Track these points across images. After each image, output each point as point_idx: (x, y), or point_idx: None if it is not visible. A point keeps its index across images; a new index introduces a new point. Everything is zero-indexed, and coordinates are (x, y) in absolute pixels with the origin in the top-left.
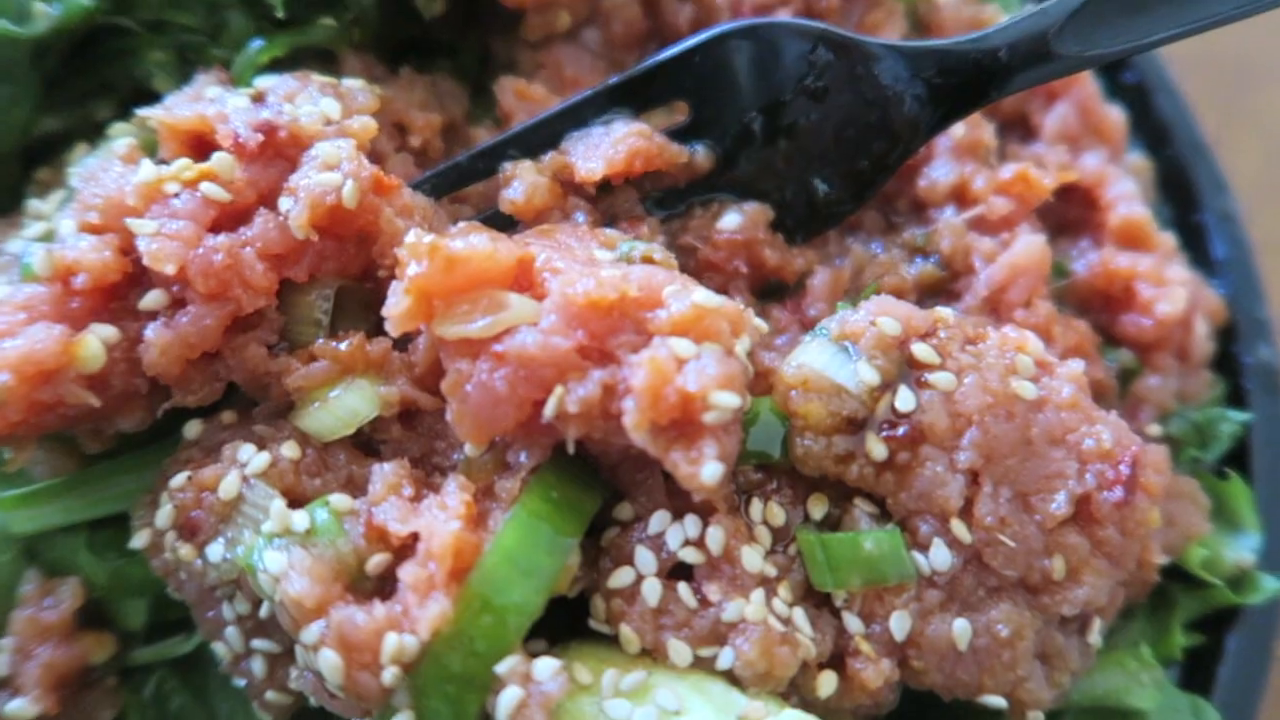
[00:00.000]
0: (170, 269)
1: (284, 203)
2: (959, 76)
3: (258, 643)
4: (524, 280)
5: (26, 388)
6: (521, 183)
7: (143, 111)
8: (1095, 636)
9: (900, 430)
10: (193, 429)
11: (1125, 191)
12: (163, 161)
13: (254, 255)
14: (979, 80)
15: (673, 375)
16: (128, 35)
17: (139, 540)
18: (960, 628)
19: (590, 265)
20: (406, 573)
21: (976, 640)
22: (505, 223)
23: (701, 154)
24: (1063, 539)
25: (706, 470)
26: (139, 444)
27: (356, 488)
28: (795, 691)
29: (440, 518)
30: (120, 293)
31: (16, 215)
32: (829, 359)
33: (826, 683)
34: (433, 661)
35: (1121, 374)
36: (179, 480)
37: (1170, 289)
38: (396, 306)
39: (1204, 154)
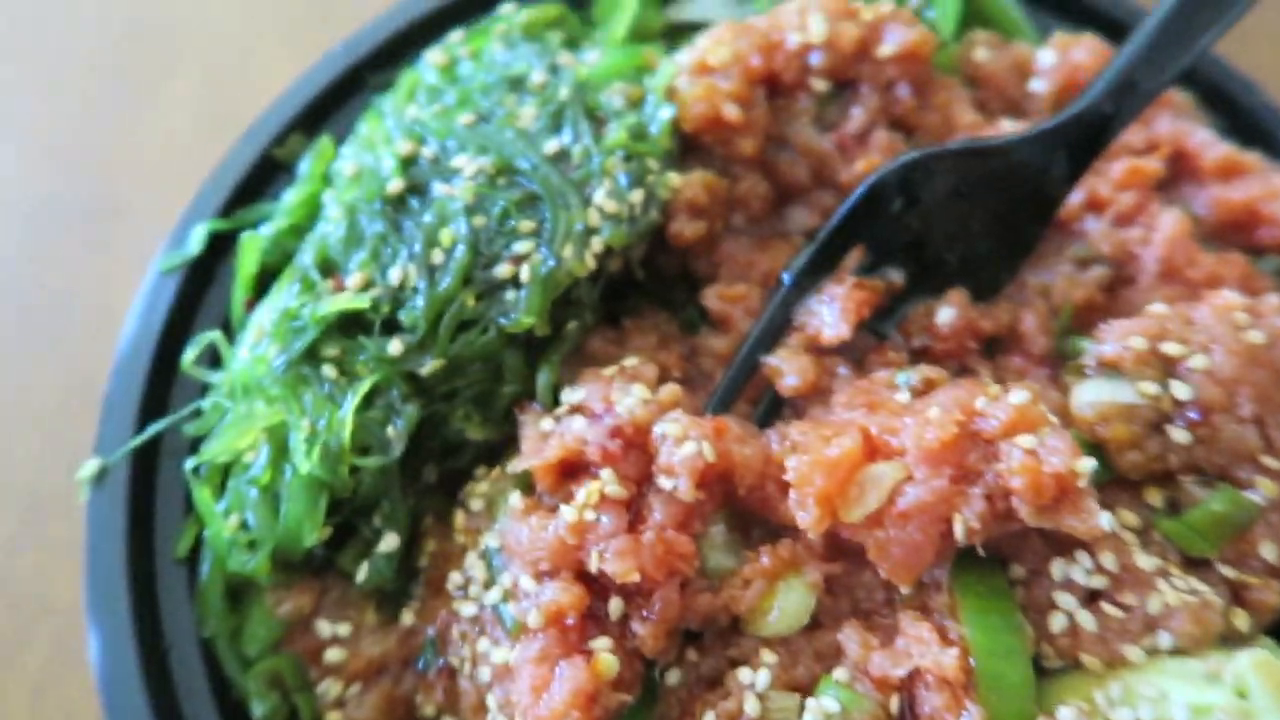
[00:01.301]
0: (635, 576)
1: (665, 483)
2: (1083, 137)
3: None
4: (871, 451)
5: (587, 715)
6: (790, 368)
7: (515, 465)
8: None
9: (1191, 414)
10: (673, 677)
11: (1204, 138)
12: (540, 495)
13: (673, 533)
14: (1097, 133)
15: (1039, 467)
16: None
17: None
18: None
19: (907, 412)
20: (935, 702)
21: None
22: (779, 400)
23: (895, 276)
24: None
25: (1101, 521)
26: None
27: (828, 659)
28: (1220, 637)
29: (932, 651)
30: (590, 611)
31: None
32: (1110, 389)
33: (1239, 618)
34: None
35: (1278, 274)
36: (710, 718)
37: None
38: (810, 519)
39: (1224, 67)
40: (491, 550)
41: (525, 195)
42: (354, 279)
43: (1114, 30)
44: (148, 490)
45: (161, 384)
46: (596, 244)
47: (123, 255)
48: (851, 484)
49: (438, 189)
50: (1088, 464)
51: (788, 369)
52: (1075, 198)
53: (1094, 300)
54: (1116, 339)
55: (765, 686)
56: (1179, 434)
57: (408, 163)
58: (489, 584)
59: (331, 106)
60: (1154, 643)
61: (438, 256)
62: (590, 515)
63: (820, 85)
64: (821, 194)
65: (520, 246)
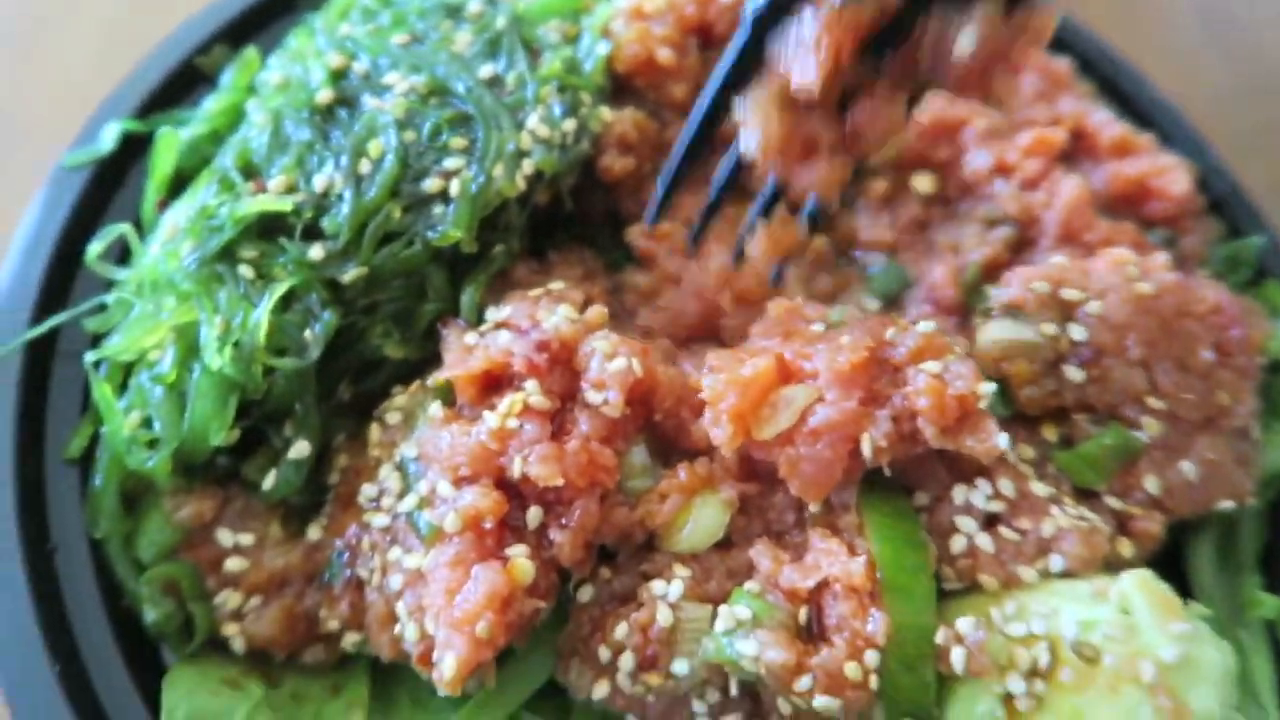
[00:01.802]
0: (559, 480)
1: (593, 396)
2: None
3: (728, 718)
4: (785, 374)
5: (500, 618)
6: (753, 119)
7: (439, 375)
8: (1256, 432)
9: (1085, 354)
10: (585, 593)
11: (1103, 118)
12: (460, 408)
13: (597, 445)
14: None
15: (944, 389)
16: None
17: (600, 691)
18: (1187, 468)
19: (821, 339)
20: (842, 609)
21: (1200, 471)
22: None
23: None
24: (1219, 378)
25: (998, 441)
26: None
27: (739, 575)
28: (1106, 564)
29: (838, 562)
30: (507, 519)
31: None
32: (1013, 328)
33: (1124, 547)
34: (892, 659)
35: (1165, 243)
36: (623, 630)
37: (1172, 174)
38: (724, 435)
39: (1112, 59)
40: (408, 460)
41: (457, 114)
42: (276, 182)
43: None
44: (40, 387)
45: (62, 278)
46: (527, 166)
47: (25, 176)
48: (764, 403)
49: (368, 102)
50: (988, 387)
51: (750, 121)
52: (985, 162)
53: (999, 258)
54: (1020, 283)
55: (678, 597)
56: (1074, 372)
57: (338, 75)
58: (403, 493)
59: (259, 21)
60: (1046, 565)
61: (365, 167)
62: (513, 423)
63: None
64: None
65: (450, 162)
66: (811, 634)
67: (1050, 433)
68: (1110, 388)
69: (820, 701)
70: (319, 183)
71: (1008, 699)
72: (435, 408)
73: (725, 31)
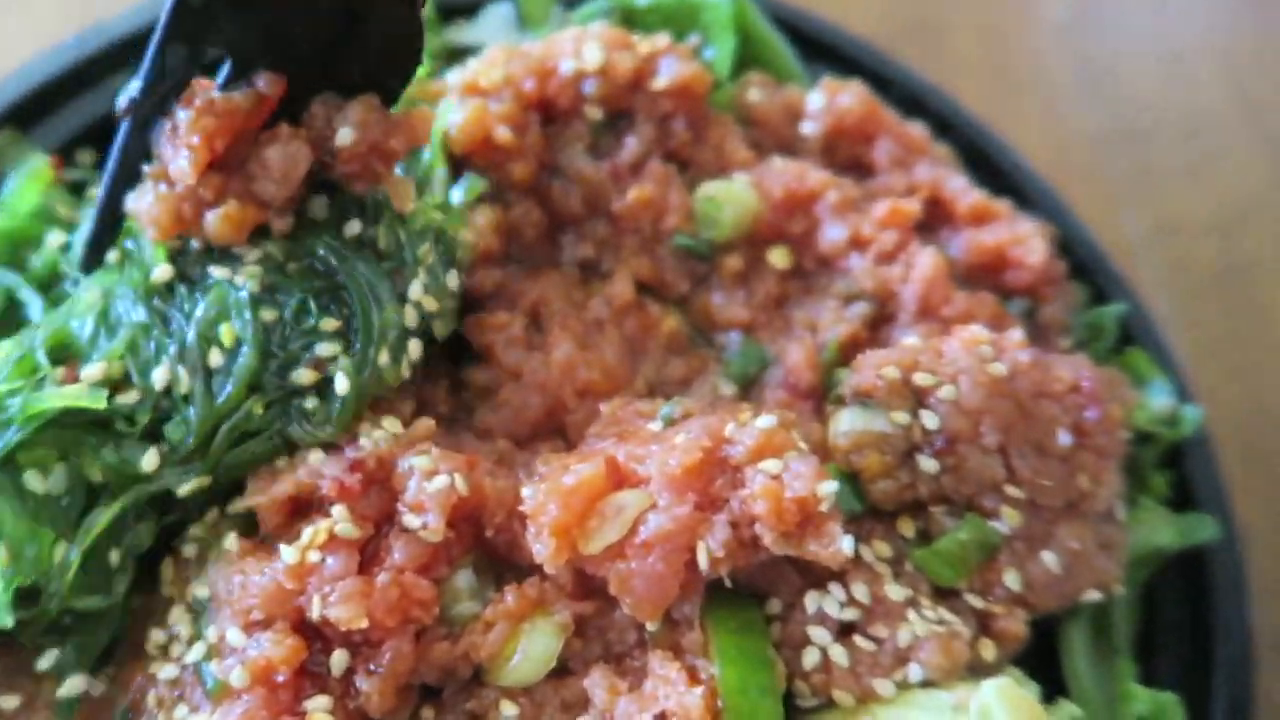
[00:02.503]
0: (364, 623)
1: (411, 520)
2: None
3: None
4: (617, 479)
5: None
6: (149, 212)
7: (240, 502)
8: (1121, 514)
9: (938, 443)
10: None
11: (960, 185)
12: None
13: (413, 577)
14: None
15: (782, 492)
16: None
17: None
18: (1049, 558)
19: (656, 440)
20: None
21: (1063, 561)
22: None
23: (264, 85)
24: (1078, 460)
25: (843, 545)
26: None
27: (576, 708)
28: (969, 668)
29: (677, 692)
30: (308, 666)
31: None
32: (864, 418)
33: (987, 649)
34: None
35: (1027, 314)
36: None
37: (1030, 242)
38: (547, 551)
39: (969, 121)
40: (200, 601)
41: (326, 285)
42: (92, 370)
43: (880, 82)
44: None
45: None
46: (414, 350)
47: None
48: (591, 514)
49: (214, 271)
50: (829, 487)
51: (147, 213)
52: (840, 235)
53: (858, 336)
54: (871, 369)
55: None
56: (927, 463)
57: (176, 251)
58: (194, 640)
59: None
60: (904, 675)
61: (216, 358)
62: (315, 556)
63: (595, 114)
64: (595, 223)
65: (323, 349)
66: None
67: (907, 528)
68: (966, 477)
69: None
70: (158, 377)
71: None
72: (230, 540)
73: (568, 106)
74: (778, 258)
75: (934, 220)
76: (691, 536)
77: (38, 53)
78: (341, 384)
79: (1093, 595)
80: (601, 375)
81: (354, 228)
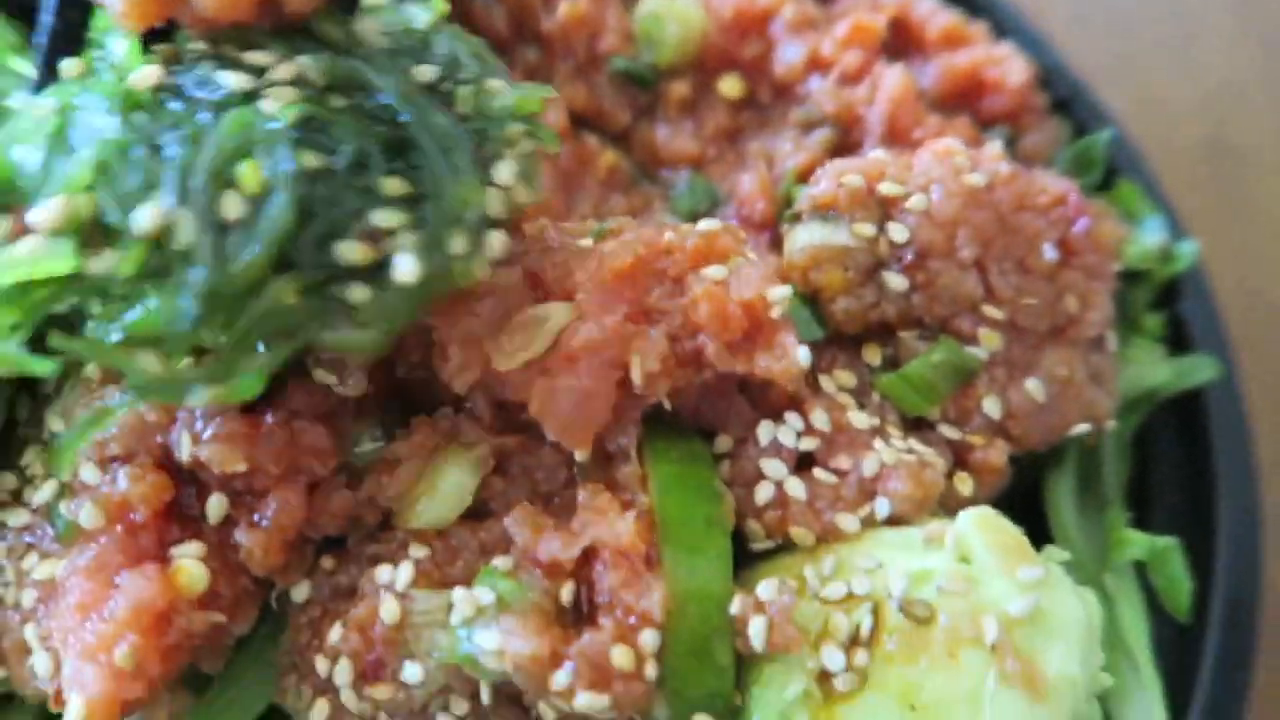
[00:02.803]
0: (241, 466)
1: (323, 375)
2: None
3: None
4: (542, 292)
5: (153, 639)
6: None
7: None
8: (1113, 344)
9: (907, 256)
10: (301, 592)
11: (929, 6)
12: None
13: (307, 422)
14: None
15: (726, 296)
16: None
17: (320, 713)
18: (1033, 386)
19: (585, 255)
20: (610, 581)
21: (1049, 389)
22: None
23: None
24: (1064, 279)
25: (797, 355)
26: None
27: (492, 552)
28: (943, 505)
29: (606, 523)
30: (175, 510)
31: None
32: (823, 231)
33: (964, 483)
34: (675, 639)
35: (1007, 142)
36: (338, 633)
37: (1008, 63)
38: (455, 366)
39: None
40: (55, 436)
41: (391, 134)
42: (48, 210)
43: None
44: None
45: None
46: (497, 244)
47: None
48: (507, 326)
49: (227, 80)
50: (780, 291)
51: None
52: (797, 56)
53: (818, 164)
54: (831, 178)
55: (406, 584)
56: (895, 279)
57: (168, 58)
58: (46, 480)
59: None
60: (870, 510)
61: (233, 206)
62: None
63: None
64: (523, 48)
65: (383, 217)
66: (580, 617)
67: (873, 355)
68: (939, 296)
69: (583, 700)
70: (144, 219)
71: (824, 677)
72: (91, 366)
73: None
74: (729, 86)
75: (903, 47)
76: (624, 349)
77: None
78: (406, 267)
79: (1082, 429)
80: (531, 211)
81: (426, 73)
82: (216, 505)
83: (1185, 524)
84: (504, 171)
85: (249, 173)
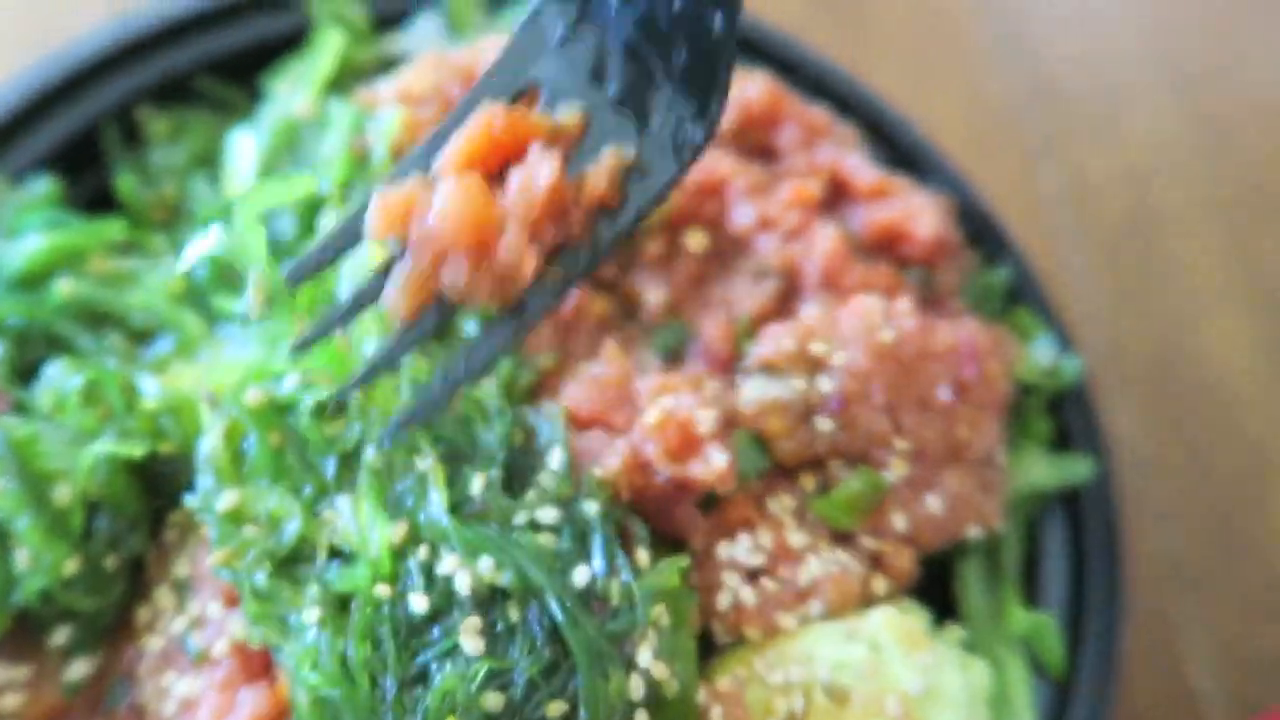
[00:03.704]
0: None
1: None
2: None
3: None
4: None
5: None
6: None
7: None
8: (1001, 458)
9: (833, 405)
10: None
11: (857, 163)
12: None
13: None
14: None
15: (669, 418)
16: None
17: None
18: (932, 502)
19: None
20: None
21: (946, 503)
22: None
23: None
24: (958, 414)
25: (719, 461)
26: None
27: None
28: (864, 600)
29: None
30: None
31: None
32: (767, 386)
33: (880, 584)
34: None
35: (923, 282)
36: None
37: (922, 216)
38: None
39: (871, 101)
40: (181, 580)
41: (551, 652)
42: None
43: (786, 67)
44: None
45: None
46: None
47: None
48: None
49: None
50: (706, 415)
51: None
52: (748, 217)
53: (767, 309)
54: (772, 341)
55: None
56: (824, 423)
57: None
58: (177, 614)
59: None
60: (806, 611)
61: None
62: None
63: None
64: None
65: None
66: None
67: (808, 482)
68: (858, 434)
69: None
70: None
71: None
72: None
73: None
74: (694, 241)
75: (837, 198)
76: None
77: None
78: None
79: (975, 532)
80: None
81: (582, 575)
82: None
83: (1067, 596)
84: (645, 655)
85: None
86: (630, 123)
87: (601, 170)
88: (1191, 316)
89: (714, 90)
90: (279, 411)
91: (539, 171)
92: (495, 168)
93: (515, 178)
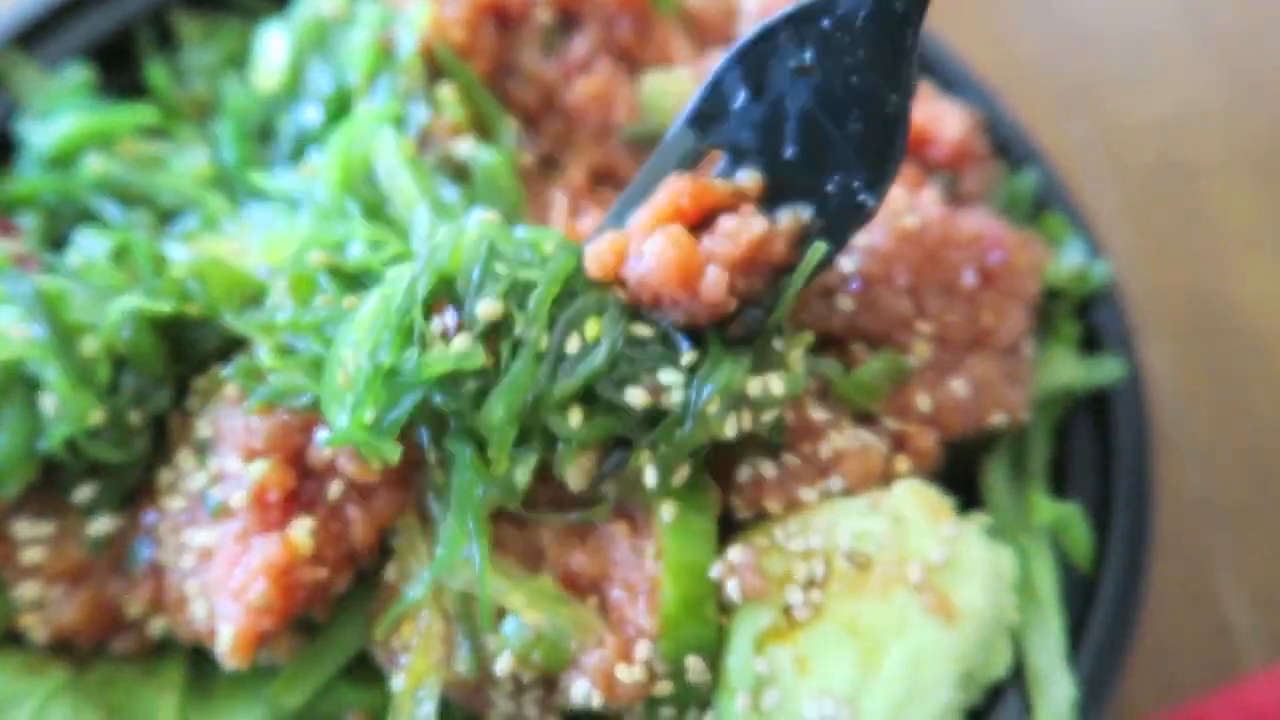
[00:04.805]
0: (375, 477)
1: None
2: None
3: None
4: None
5: (278, 587)
6: None
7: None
8: (1029, 350)
9: (854, 284)
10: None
11: None
12: None
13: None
14: None
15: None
16: None
17: None
18: (957, 385)
19: None
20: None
21: (970, 388)
22: None
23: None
24: (982, 299)
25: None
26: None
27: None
28: (885, 480)
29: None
30: (297, 493)
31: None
32: None
33: (902, 463)
34: (670, 604)
35: (948, 186)
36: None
37: (946, 119)
38: None
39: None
40: (201, 441)
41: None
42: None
43: None
44: None
45: None
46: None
47: None
48: None
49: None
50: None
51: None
52: None
53: None
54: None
55: None
56: (844, 301)
57: None
58: (197, 473)
59: None
60: (826, 485)
61: (574, 344)
62: None
63: (545, 16)
64: (550, 119)
65: (668, 377)
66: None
67: (831, 366)
68: (880, 315)
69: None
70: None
71: (787, 610)
72: (231, 389)
73: (520, 10)
74: None
75: None
76: None
77: None
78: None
79: (1000, 419)
80: None
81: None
82: (336, 490)
83: (1094, 495)
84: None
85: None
86: (805, 187)
87: (781, 232)
88: (1223, 262)
89: (888, 161)
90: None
91: (750, 223)
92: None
93: (724, 224)
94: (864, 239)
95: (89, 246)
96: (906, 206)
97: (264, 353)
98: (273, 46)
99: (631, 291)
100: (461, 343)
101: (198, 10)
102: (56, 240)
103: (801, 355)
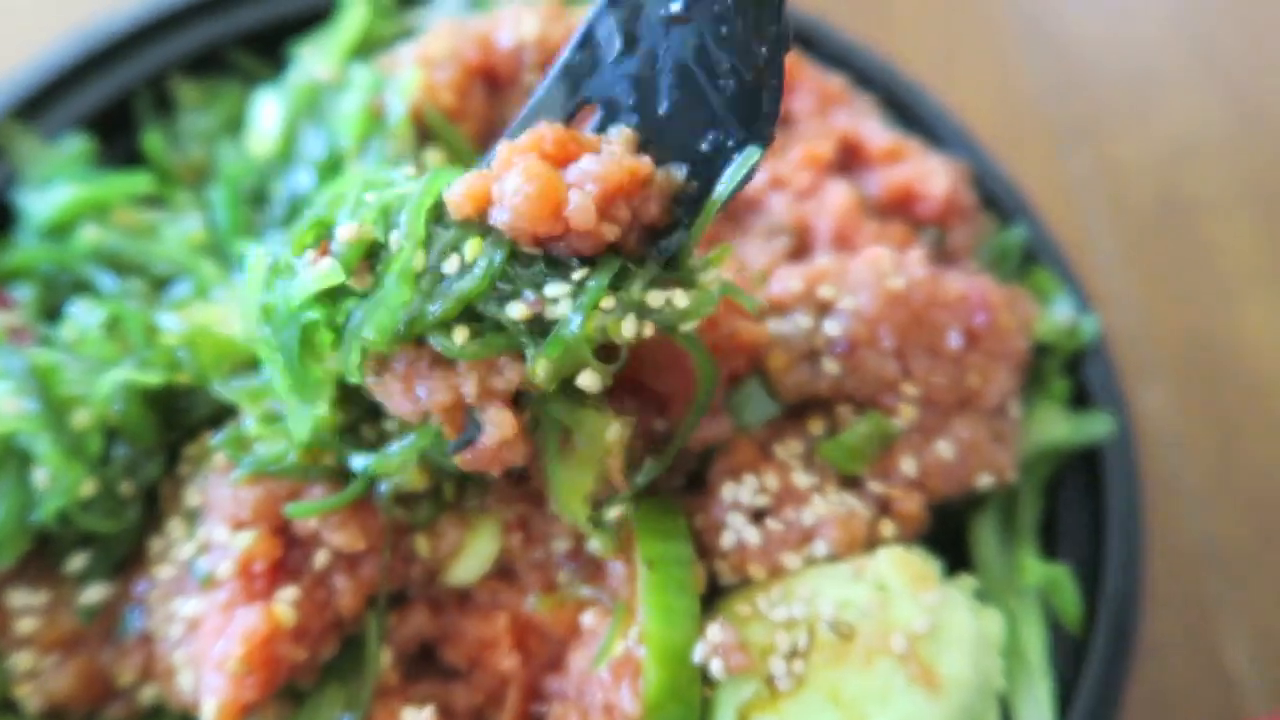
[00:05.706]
0: (363, 547)
1: None
2: None
3: None
4: None
5: (258, 657)
6: None
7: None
8: (1016, 411)
9: (840, 347)
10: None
11: (873, 128)
12: None
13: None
14: None
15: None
16: None
17: None
18: (943, 448)
19: None
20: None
21: (956, 450)
22: None
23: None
24: (968, 361)
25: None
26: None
27: None
28: (870, 545)
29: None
30: (284, 563)
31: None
32: (773, 324)
33: (888, 528)
34: (654, 687)
35: (936, 242)
36: None
37: (934, 176)
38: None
39: (888, 71)
40: (190, 510)
41: None
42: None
43: (808, 42)
44: None
45: None
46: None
47: None
48: None
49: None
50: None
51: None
52: (761, 178)
53: (779, 265)
54: (779, 282)
55: None
56: (830, 365)
57: None
58: (187, 543)
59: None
60: (810, 551)
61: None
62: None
63: (533, 79)
64: None
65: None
66: None
67: (816, 426)
68: (866, 378)
69: None
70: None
71: (770, 681)
72: (220, 457)
73: (509, 73)
74: None
75: (851, 162)
76: None
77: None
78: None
79: (987, 481)
80: None
81: None
82: (322, 559)
83: (1084, 555)
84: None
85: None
86: (679, 143)
87: (650, 193)
88: (1223, 301)
89: (760, 118)
90: None
91: (613, 148)
92: None
93: (585, 159)
94: (849, 302)
95: (82, 317)
96: (893, 267)
97: (250, 422)
98: (266, 113)
99: (511, 233)
100: (324, 264)
101: (196, 74)
102: (52, 310)
103: (717, 275)
